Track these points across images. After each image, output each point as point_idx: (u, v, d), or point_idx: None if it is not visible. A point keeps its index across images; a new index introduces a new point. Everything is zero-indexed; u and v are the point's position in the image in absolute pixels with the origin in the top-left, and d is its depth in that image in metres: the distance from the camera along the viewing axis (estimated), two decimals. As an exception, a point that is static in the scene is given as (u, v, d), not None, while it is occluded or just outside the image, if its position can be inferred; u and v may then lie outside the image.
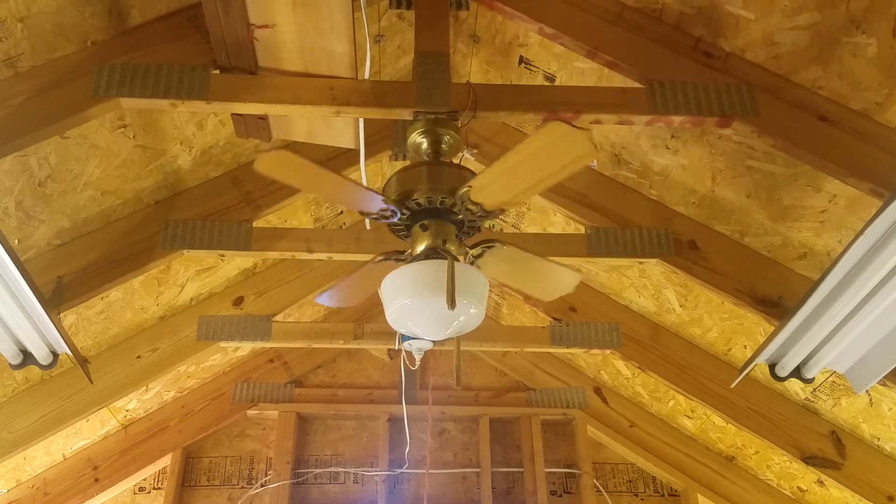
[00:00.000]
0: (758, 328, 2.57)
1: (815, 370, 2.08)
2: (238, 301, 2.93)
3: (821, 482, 2.95)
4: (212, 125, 2.26)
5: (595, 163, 2.51)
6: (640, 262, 2.40)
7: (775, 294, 2.22)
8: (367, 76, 2.00)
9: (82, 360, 2.29)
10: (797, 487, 3.14)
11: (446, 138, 1.81)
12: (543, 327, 2.92)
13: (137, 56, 1.81)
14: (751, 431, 2.75)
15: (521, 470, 3.55)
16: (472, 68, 2.58)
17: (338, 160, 2.56)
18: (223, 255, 2.43)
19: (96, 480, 3.25)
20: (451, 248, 1.71)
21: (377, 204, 1.67)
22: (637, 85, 1.87)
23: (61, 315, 2.22)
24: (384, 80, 2.46)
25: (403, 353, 3.10)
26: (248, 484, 3.47)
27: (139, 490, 3.44)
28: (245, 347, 3.41)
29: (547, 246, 2.44)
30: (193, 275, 2.76)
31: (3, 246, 1.64)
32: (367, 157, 2.23)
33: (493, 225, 3.18)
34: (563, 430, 3.70)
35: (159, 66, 1.76)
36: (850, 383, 2.06)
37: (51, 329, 1.99)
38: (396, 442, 3.58)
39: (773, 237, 2.24)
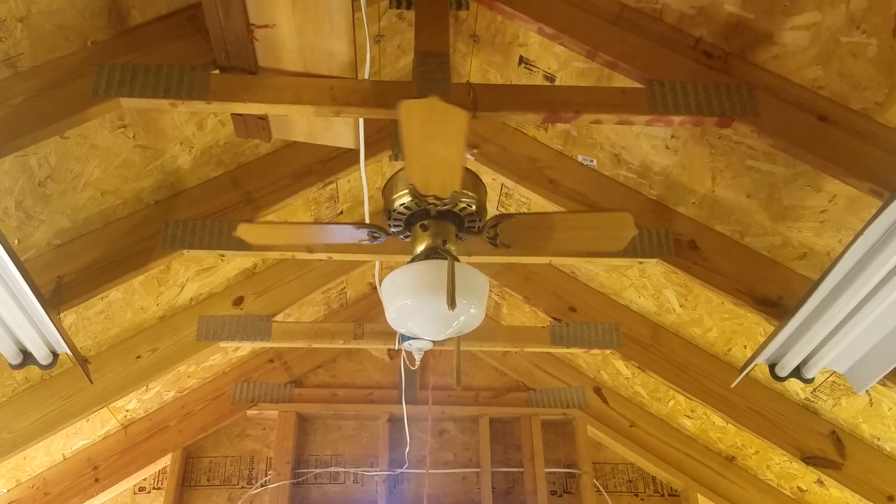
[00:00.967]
0: (758, 328, 2.57)
1: (815, 370, 2.08)
2: (238, 301, 2.93)
3: (821, 482, 2.95)
4: (212, 125, 2.26)
5: (594, 162, 2.51)
6: (640, 262, 2.40)
7: (775, 294, 2.22)
8: (367, 76, 2.00)
9: (82, 360, 2.29)
10: (797, 487, 3.14)
11: (446, 138, 1.80)
12: (543, 327, 2.92)
13: (137, 56, 1.81)
14: (751, 431, 2.75)
15: (521, 470, 3.55)
16: (472, 68, 2.58)
17: (338, 160, 2.56)
18: (223, 255, 2.43)
19: (96, 480, 3.25)
20: (452, 247, 1.71)
21: (354, 234, 1.69)
22: (637, 85, 1.87)
23: (61, 315, 2.22)
24: (384, 80, 2.46)
25: (403, 353, 3.10)
26: (248, 484, 3.47)
27: (139, 490, 3.44)
28: (245, 347, 3.41)
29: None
30: (193, 275, 2.76)
31: (3, 246, 1.64)
32: (367, 157, 2.23)
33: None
34: (563, 430, 3.70)
35: (159, 66, 1.76)
36: (850, 383, 2.06)
37: (51, 329, 1.99)
38: (396, 442, 3.58)
39: (773, 237, 2.24)
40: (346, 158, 2.55)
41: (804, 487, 3.10)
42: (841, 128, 1.72)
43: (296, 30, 1.80)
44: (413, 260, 1.70)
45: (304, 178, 2.50)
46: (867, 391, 2.41)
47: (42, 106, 1.69)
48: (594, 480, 3.55)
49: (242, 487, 3.46)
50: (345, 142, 2.24)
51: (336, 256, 2.47)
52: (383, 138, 2.57)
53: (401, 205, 1.71)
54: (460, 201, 1.70)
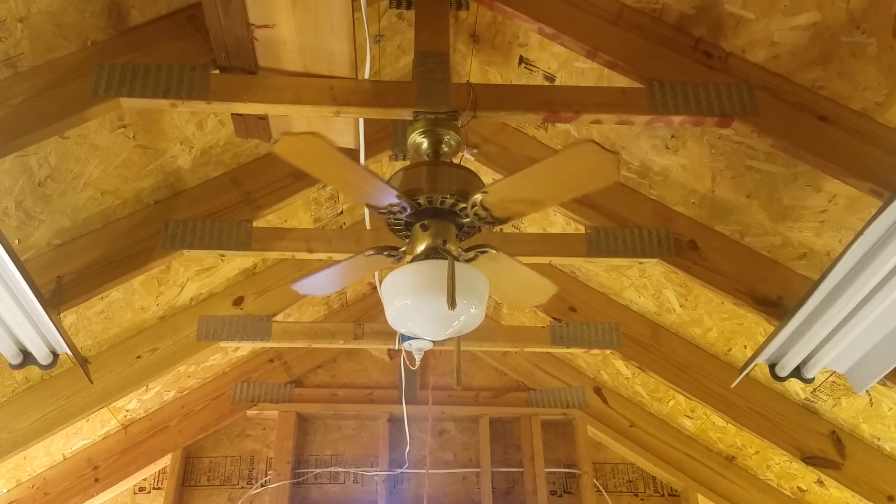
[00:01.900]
0: (758, 328, 2.57)
1: (815, 370, 2.08)
2: (238, 301, 2.93)
3: (821, 482, 2.95)
4: (212, 125, 2.26)
5: (595, 163, 2.51)
6: (640, 262, 2.40)
7: (775, 294, 2.22)
8: (367, 76, 2.00)
9: (82, 360, 2.29)
10: (797, 487, 3.14)
11: (446, 138, 1.81)
12: (543, 327, 2.92)
13: (137, 56, 1.81)
14: (751, 431, 2.75)
15: (521, 470, 3.55)
16: (472, 68, 2.58)
17: (338, 160, 2.55)
18: (223, 255, 2.43)
19: (96, 480, 3.25)
20: (452, 248, 1.71)
21: (388, 198, 1.65)
22: (637, 85, 1.87)
23: (61, 315, 2.22)
24: (384, 80, 2.46)
25: (403, 353, 3.10)
26: (248, 484, 3.47)
27: (139, 490, 3.44)
28: (245, 347, 3.41)
29: (547, 246, 2.44)
30: (193, 275, 2.76)
31: (3, 246, 1.64)
32: (367, 157, 2.23)
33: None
34: (563, 430, 3.70)
35: (159, 66, 1.76)
36: (850, 383, 2.06)
37: (51, 329, 1.99)
38: (396, 442, 3.58)
39: (773, 237, 2.24)
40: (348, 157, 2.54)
41: (804, 487, 3.10)
42: (841, 128, 1.72)
43: (296, 30, 1.80)
44: (413, 260, 1.70)
45: (304, 178, 2.50)
46: (867, 391, 2.41)
47: (42, 106, 1.69)
48: (594, 480, 3.55)
49: (242, 487, 3.46)
50: (345, 142, 2.24)
51: (336, 256, 2.47)
52: (383, 138, 2.57)
53: (417, 199, 1.70)
54: (447, 199, 1.68)
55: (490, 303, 3.69)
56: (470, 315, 1.62)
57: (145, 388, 3.14)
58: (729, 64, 1.84)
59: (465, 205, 1.67)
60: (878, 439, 2.58)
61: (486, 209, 1.65)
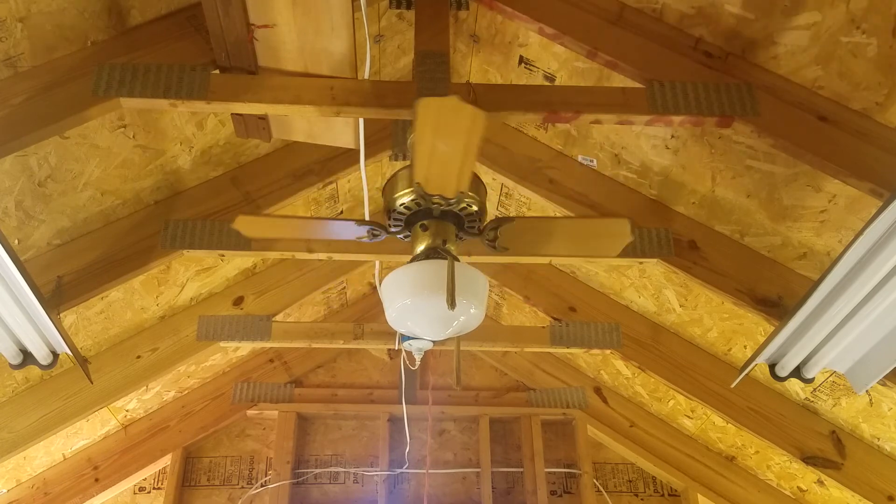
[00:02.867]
0: (758, 328, 2.57)
1: (815, 370, 2.08)
2: (238, 301, 2.93)
3: (821, 482, 2.95)
4: (212, 125, 2.26)
5: (594, 162, 2.51)
6: (640, 262, 2.40)
7: (775, 294, 2.22)
8: (367, 76, 2.00)
9: (82, 360, 2.29)
10: (797, 487, 3.14)
11: (446, 138, 1.80)
12: (543, 327, 2.92)
13: (137, 56, 1.81)
14: (751, 431, 2.75)
15: (521, 470, 3.55)
16: (472, 68, 2.58)
17: (338, 160, 2.56)
18: (223, 255, 2.43)
19: (96, 480, 3.25)
20: (452, 247, 1.71)
21: (354, 231, 1.69)
22: (637, 85, 1.87)
23: (61, 315, 2.22)
24: (384, 80, 2.46)
25: (403, 353, 3.10)
26: (248, 484, 3.47)
27: (139, 490, 3.44)
28: (245, 347, 3.41)
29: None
30: (193, 275, 2.76)
31: (3, 246, 1.64)
32: (367, 157, 2.23)
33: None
34: (563, 430, 3.70)
35: (159, 66, 1.76)
36: (850, 383, 2.06)
37: (51, 329, 1.99)
38: (396, 442, 3.58)
39: (773, 237, 2.24)
40: (346, 158, 2.55)
41: (804, 487, 3.10)
42: (841, 128, 1.72)
43: (296, 30, 1.80)
44: (413, 260, 1.70)
45: (304, 178, 2.51)
46: (867, 391, 2.41)
47: (42, 106, 1.69)
48: (594, 480, 3.55)
49: (242, 487, 3.46)
50: (345, 142, 2.24)
51: (336, 256, 2.47)
52: (383, 138, 2.57)
53: (402, 204, 1.71)
54: (463, 202, 1.69)
55: (490, 303, 3.69)
56: (470, 315, 1.62)
57: (145, 388, 3.14)
58: (729, 64, 1.84)
59: (475, 211, 1.68)
60: (878, 439, 2.58)
61: (497, 234, 1.66)
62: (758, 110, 1.76)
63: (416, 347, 2.72)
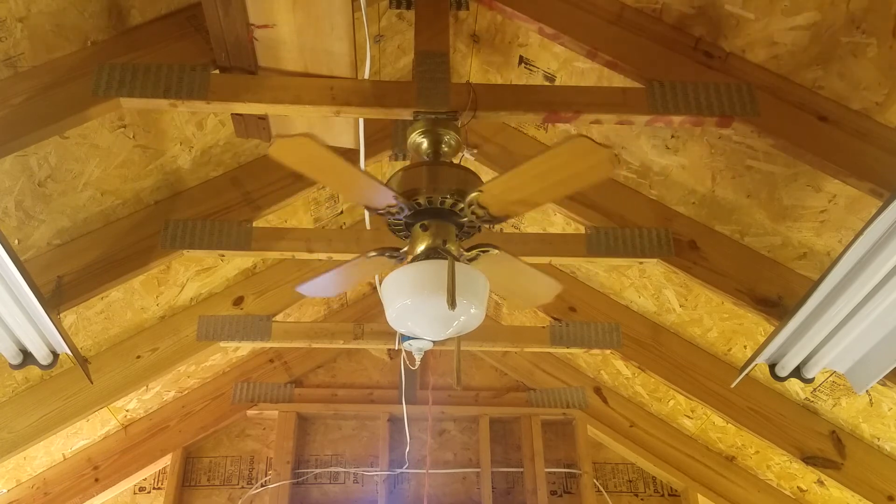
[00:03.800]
0: (758, 328, 2.57)
1: (815, 370, 2.08)
2: (238, 301, 2.93)
3: (821, 482, 2.95)
4: (212, 125, 2.26)
5: (595, 163, 2.51)
6: (640, 262, 2.40)
7: (775, 294, 2.22)
8: (367, 76, 2.00)
9: (82, 360, 2.29)
10: (797, 487, 3.14)
11: (446, 138, 1.81)
12: (543, 327, 2.92)
13: (137, 56, 1.81)
14: (751, 431, 2.75)
15: (521, 470, 3.55)
16: (472, 68, 2.58)
17: (338, 160, 2.55)
18: (223, 255, 2.43)
19: (96, 480, 3.25)
20: (452, 248, 1.71)
21: (386, 199, 1.66)
22: (637, 85, 1.87)
23: (61, 315, 2.22)
24: (384, 80, 2.46)
25: (403, 353, 3.10)
26: (248, 484, 3.47)
27: (139, 490, 3.44)
28: (245, 347, 3.41)
29: (547, 246, 2.44)
30: (193, 275, 2.76)
31: (3, 246, 1.64)
32: (367, 157, 2.23)
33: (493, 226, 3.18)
34: (563, 430, 3.70)
35: (159, 66, 1.76)
36: (850, 383, 2.06)
37: (51, 329, 1.99)
38: (396, 442, 3.58)
39: (773, 237, 2.24)
40: (345, 158, 2.54)
41: (804, 487, 3.10)
42: (841, 128, 1.72)
43: (296, 30, 1.80)
44: (413, 260, 1.70)
45: (304, 178, 2.50)
46: (867, 391, 2.41)
47: (42, 106, 1.69)
48: (594, 480, 3.55)
49: (242, 487, 3.46)
50: (345, 142, 2.24)
51: (336, 256, 2.47)
52: (383, 138, 2.57)
53: (416, 200, 1.70)
54: (458, 201, 1.68)
55: (490, 303, 3.69)
56: (470, 315, 1.62)
57: (145, 388, 3.14)
58: (729, 64, 1.84)
59: (461, 203, 1.68)
60: (878, 439, 2.58)
61: (483, 207, 1.65)
62: (758, 110, 1.76)
63: (416, 347, 2.72)
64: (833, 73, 1.70)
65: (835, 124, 1.73)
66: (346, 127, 2.16)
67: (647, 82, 1.83)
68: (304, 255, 2.42)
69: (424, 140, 1.81)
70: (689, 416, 3.33)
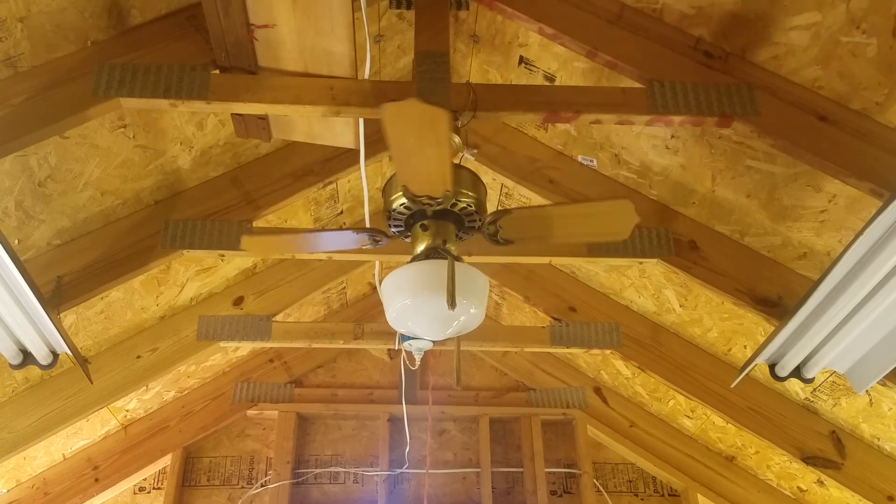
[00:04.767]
0: (758, 328, 2.57)
1: (815, 370, 2.08)
2: (238, 301, 2.93)
3: (821, 482, 2.95)
4: (212, 125, 2.26)
5: (594, 162, 2.51)
6: (640, 262, 2.40)
7: (775, 294, 2.22)
8: (367, 76, 2.00)
9: (82, 360, 2.29)
10: (797, 487, 3.14)
11: (446, 138, 1.80)
12: (543, 327, 2.92)
13: (137, 56, 1.81)
14: (751, 431, 2.75)
15: (521, 470, 3.55)
16: (472, 68, 2.58)
17: (338, 160, 2.56)
18: (223, 255, 2.43)
19: (96, 480, 3.25)
20: (452, 247, 1.71)
21: (353, 240, 1.69)
22: (637, 85, 1.87)
23: (61, 315, 2.22)
24: (384, 80, 2.46)
25: (403, 353, 3.10)
26: (248, 484, 3.47)
27: (139, 490, 3.44)
28: (245, 347, 3.41)
29: (547, 246, 2.44)
30: (193, 275, 2.76)
31: (3, 246, 1.64)
32: (367, 157, 2.23)
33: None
34: (563, 430, 3.70)
35: (159, 66, 1.76)
36: (850, 383, 2.06)
37: (51, 329, 1.99)
38: (396, 442, 3.58)
39: (773, 237, 2.24)
40: (346, 158, 2.55)
41: (804, 487, 3.10)
42: (841, 128, 1.72)
43: (296, 30, 1.80)
44: (413, 260, 1.70)
45: (304, 178, 2.51)
46: (867, 391, 2.41)
47: (42, 106, 1.69)
48: (594, 480, 3.55)
49: (242, 487, 3.46)
50: (345, 142, 2.24)
51: (336, 256, 2.47)
52: (383, 138, 2.56)
53: (400, 205, 1.71)
54: (458, 200, 1.69)
55: (490, 303, 3.69)
56: (470, 315, 1.62)
57: (145, 388, 3.14)
58: (729, 64, 1.84)
59: (472, 209, 1.67)
60: (878, 439, 2.58)
61: (498, 227, 1.65)
62: (758, 110, 1.76)
63: (416, 347, 2.71)
64: (833, 73, 1.70)
65: (835, 124, 1.73)
66: (346, 127, 2.16)
67: (647, 82, 1.83)
68: (305, 255, 2.42)
69: (424, 140, 1.80)
70: (689, 416, 3.33)
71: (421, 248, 1.71)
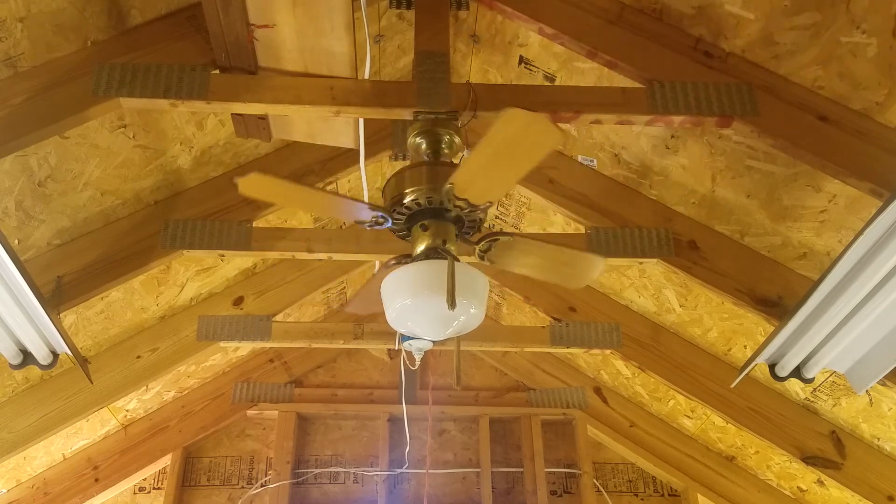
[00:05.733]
0: (758, 328, 2.57)
1: (815, 370, 2.08)
2: (238, 301, 2.93)
3: (821, 482, 2.95)
4: (212, 125, 2.26)
5: (595, 162, 2.51)
6: (640, 262, 2.40)
7: (775, 294, 2.22)
8: (367, 76, 2.00)
9: (82, 360, 2.29)
10: (797, 487, 3.14)
11: (446, 138, 1.81)
12: (543, 327, 2.92)
13: (137, 56, 1.81)
14: (751, 431, 2.75)
15: (521, 470, 3.55)
16: (472, 68, 2.58)
17: (338, 160, 2.56)
18: (223, 255, 2.43)
19: (96, 480, 3.25)
20: (452, 247, 1.71)
21: (365, 213, 1.68)
22: (637, 85, 1.87)
23: (61, 315, 2.22)
24: (384, 80, 2.46)
25: (403, 353, 3.10)
26: (248, 484, 3.47)
27: (139, 490, 3.44)
28: (245, 347, 3.41)
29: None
30: (193, 275, 2.76)
31: (3, 246, 1.64)
32: (367, 157, 2.23)
33: (493, 225, 3.18)
34: (563, 430, 3.70)
35: (159, 66, 1.76)
36: (850, 383, 2.06)
37: (51, 329, 1.99)
38: (396, 442, 3.58)
39: (773, 237, 2.24)
40: (346, 158, 2.55)
41: (804, 487, 3.10)
42: (841, 128, 1.72)
43: (296, 30, 1.80)
44: (413, 260, 1.70)
45: (304, 178, 2.50)
46: (867, 391, 2.41)
47: (42, 106, 1.69)
48: (594, 480, 3.55)
49: (242, 487, 3.46)
50: (345, 142, 2.24)
51: (336, 256, 2.47)
52: (383, 138, 2.57)
53: (411, 200, 1.70)
54: (479, 209, 1.70)
55: (490, 303, 3.69)
56: (470, 315, 1.62)
57: (145, 388, 3.14)
58: (729, 64, 1.84)
59: (435, 197, 1.68)
60: (878, 439, 2.58)
61: (461, 199, 1.65)
62: (758, 110, 1.76)
63: (416, 347, 2.72)
64: (833, 73, 1.70)
65: (835, 124, 1.73)
66: (346, 127, 2.16)
67: (647, 82, 1.83)
68: (304, 255, 2.42)
69: (424, 140, 1.80)
70: (689, 416, 3.33)
71: (421, 248, 1.71)
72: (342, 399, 3.66)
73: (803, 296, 1.85)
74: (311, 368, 3.76)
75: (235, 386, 3.53)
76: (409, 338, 2.68)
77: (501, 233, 1.75)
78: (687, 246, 2.35)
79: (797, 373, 2.11)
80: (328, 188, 2.79)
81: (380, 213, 1.68)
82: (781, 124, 1.75)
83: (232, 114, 2.09)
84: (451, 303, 1.47)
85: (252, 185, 1.57)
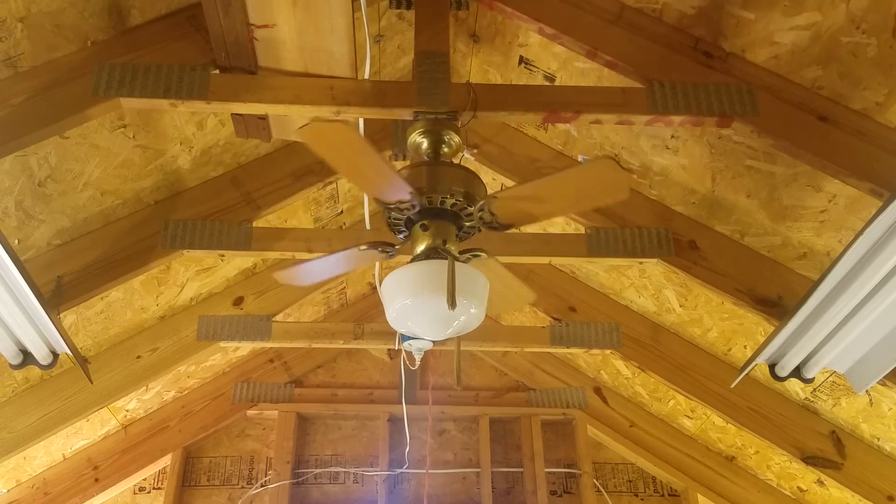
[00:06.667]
0: (758, 328, 2.57)
1: (815, 370, 2.08)
2: (238, 301, 2.93)
3: (821, 482, 2.95)
4: (212, 125, 2.26)
5: (595, 163, 2.51)
6: (640, 262, 2.40)
7: (775, 294, 2.22)
8: (367, 76, 2.00)
9: (82, 360, 2.29)
10: (797, 487, 3.14)
11: (446, 138, 1.81)
12: (543, 327, 2.92)
13: (137, 56, 1.81)
14: (751, 431, 2.75)
15: (521, 470, 3.55)
16: (472, 68, 2.58)
17: (338, 160, 2.55)
18: (223, 255, 2.43)
19: (96, 480, 3.25)
20: (452, 248, 1.71)
21: (400, 194, 1.65)
22: (637, 85, 1.87)
23: (61, 315, 2.22)
24: (384, 80, 2.46)
25: (403, 353, 3.10)
26: (248, 484, 3.47)
27: (139, 490, 3.44)
28: (245, 347, 3.41)
29: (547, 246, 2.44)
30: (193, 275, 2.76)
31: (3, 246, 1.64)
32: (367, 157, 2.22)
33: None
34: (563, 430, 3.70)
35: (159, 66, 1.76)
36: (850, 383, 2.06)
37: (51, 329, 1.99)
38: (396, 442, 3.58)
39: (773, 237, 2.24)
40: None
41: (804, 487, 3.10)
42: (841, 128, 1.72)
43: (296, 30, 1.80)
44: (413, 260, 1.70)
45: (304, 178, 2.50)
46: (867, 391, 2.41)
47: (42, 106, 1.69)
48: (594, 480, 3.55)
49: (242, 487, 3.46)
50: (345, 142, 2.23)
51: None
52: (383, 138, 2.57)
53: (401, 201, 1.70)
54: (445, 198, 1.69)
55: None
56: (470, 315, 1.62)
57: (145, 388, 3.14)
58: (729, 64, 1.84)
59: (470, 208, 1.68)
60: (878, 439, 2.58)
61: (492, 214, 1.65)
62: (757, 110, 1.76)
63: (416, 347, 2.72)
64: (833, 73, 1.70)
65: (835, 124, 1.73)
66: (346, 127, 2.16)
67: (647, 82, 1.83)
68: (304, 256, 2.42)
69: (424, 140, 1.81)
70: (689, 416, 3.33)
71: (421, 248, 1.71)
72: (342, 399, 3.65)
73: (803, 296, 1.85)
74: (311, 368, 3.76)
75: (235, 386, 3.53)
76: (409, 338, 2.68)
77: (482, 249, 1.75)
78: (687, 246, 2.35)
79: (797, 373, 2.12)
80: (328, 188, 2.80)
81: (413, 200, 1.65)
82: (781, 124, 1.75)
83: (232, 114, 2.09)
84: (452, 303, 1.47)
85: (314, 134, 1.41)
